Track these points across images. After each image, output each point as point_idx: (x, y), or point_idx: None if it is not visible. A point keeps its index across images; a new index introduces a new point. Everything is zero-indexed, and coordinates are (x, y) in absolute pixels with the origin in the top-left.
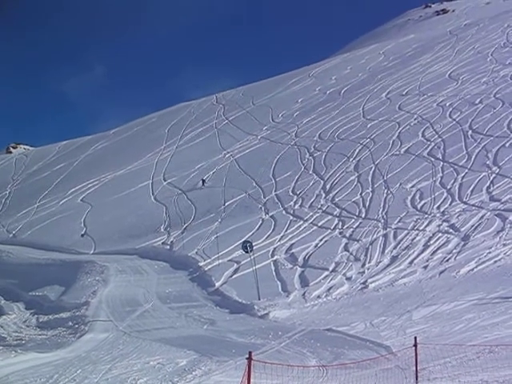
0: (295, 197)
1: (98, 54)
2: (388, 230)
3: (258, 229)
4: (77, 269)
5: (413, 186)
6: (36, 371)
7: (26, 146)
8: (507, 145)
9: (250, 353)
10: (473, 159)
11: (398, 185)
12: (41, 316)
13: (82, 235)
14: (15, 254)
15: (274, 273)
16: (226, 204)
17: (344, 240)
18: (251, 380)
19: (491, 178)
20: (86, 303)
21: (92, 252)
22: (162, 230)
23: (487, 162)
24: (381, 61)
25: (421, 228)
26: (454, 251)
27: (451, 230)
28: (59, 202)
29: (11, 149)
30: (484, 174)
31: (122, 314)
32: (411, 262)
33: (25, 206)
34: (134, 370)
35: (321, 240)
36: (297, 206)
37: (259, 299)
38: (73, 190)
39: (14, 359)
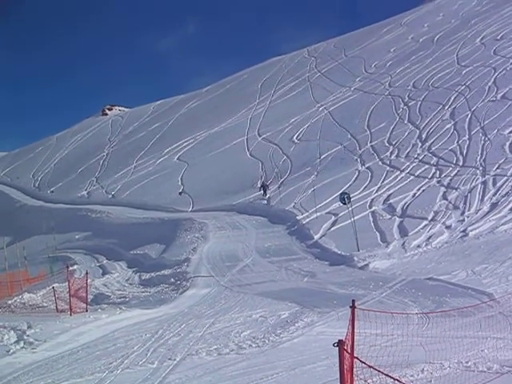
0: (391, 147)
1: (189, 9)
2: (487, 177)
3: (354, 180)
4: (176, 226)
5: (511, 132)
6: (141, 327)
7: (121, 108)
8: None
9: (353, 301)
10: None
11: (495, 131)
12: (143, 274)
13: (180, 193)
14: (115, 214)
15: (372, 224)
16: (322, 157)
17: (442, 189)
18: (355, 330)
19: None
20: (186, 260)
21: (190, 209)
22: (259, 185)
23: None
24: (474, 6)
25: None
26: None
27: None
28: (156, 162)
29: (107, 111)
30: None
31: (223, 270)
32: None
33: (122, 166)
34: (237, 324)
35: (418, 189)
36: (393, 157)
37: (358, 250)
38: (168, 149)
39: (119, 316)
